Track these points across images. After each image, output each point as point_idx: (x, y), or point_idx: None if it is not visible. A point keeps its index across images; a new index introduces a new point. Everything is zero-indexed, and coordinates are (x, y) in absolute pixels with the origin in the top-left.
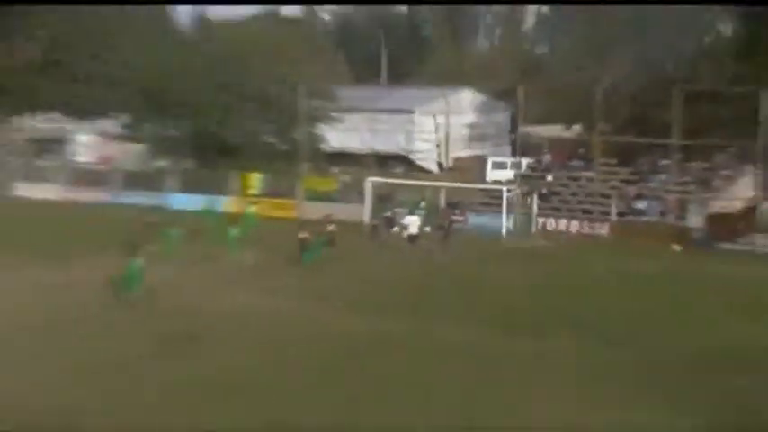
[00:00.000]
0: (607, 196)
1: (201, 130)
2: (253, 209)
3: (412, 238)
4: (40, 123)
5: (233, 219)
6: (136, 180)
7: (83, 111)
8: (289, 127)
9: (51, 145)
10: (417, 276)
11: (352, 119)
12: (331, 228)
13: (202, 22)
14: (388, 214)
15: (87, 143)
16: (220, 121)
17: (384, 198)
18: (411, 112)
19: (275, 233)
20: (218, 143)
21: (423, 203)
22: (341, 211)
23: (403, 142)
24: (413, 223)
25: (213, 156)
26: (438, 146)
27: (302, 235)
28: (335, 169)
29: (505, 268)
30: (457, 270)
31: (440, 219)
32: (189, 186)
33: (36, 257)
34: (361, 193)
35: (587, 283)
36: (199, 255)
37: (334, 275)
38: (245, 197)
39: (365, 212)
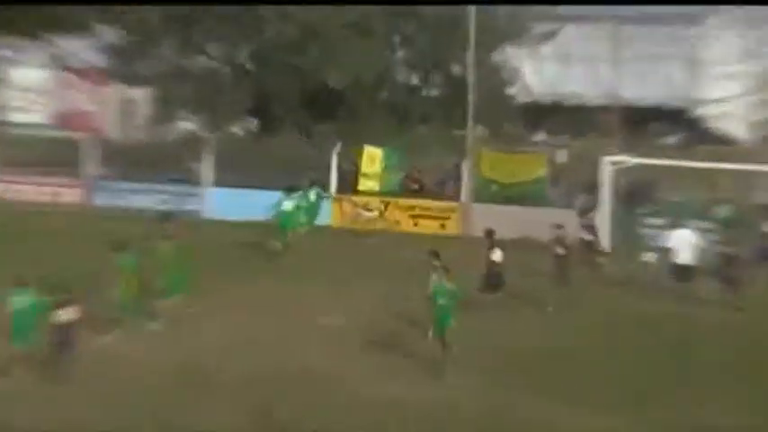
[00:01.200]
0: None
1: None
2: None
3: (682, 271)
4: None
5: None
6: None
7: None
8: (443, 57)
9: None
10: None
11: (576, 40)
12: (495, 257)
13: None
14: (589, 237)
15: None
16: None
17: (637, 195)
18: (700, 21)
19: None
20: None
21: (724, 208)
22: (549, 219)
23: (681, 82)
24: (684, 243)
25: (289, 110)
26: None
27: (435, 276)
28: (538, 137)
29: None
30: None
31: (751, 236)
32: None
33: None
34: (588, 187)
35: None
36: None
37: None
38: (354, 197)
39: (601, 227)
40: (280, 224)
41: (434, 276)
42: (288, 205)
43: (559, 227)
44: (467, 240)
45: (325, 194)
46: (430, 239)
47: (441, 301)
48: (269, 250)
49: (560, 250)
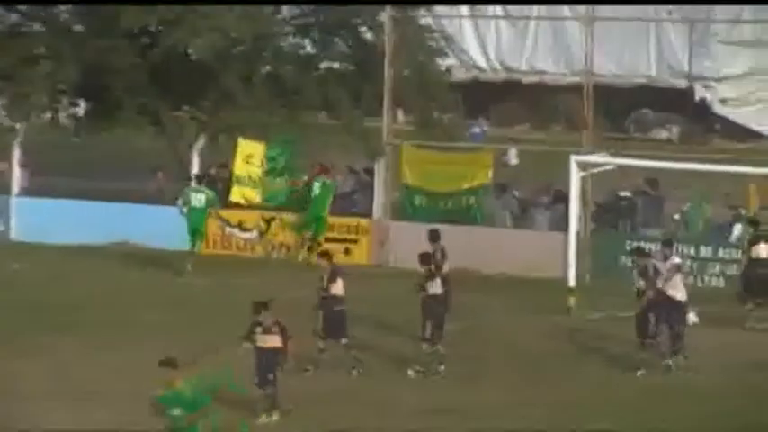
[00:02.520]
0: None
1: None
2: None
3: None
4: None
5: None
6: None
7: None
8: (348, 16)
9: None
10: None
11: None
12: (335, 289)
13: None
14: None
15: None
16: None
17: (618, 209)
18: None
19: None
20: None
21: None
22: (493, 243)
23: (678, 52)
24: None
25: (131, 89)
26: None
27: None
28: (482, 129)
29: None
30: None
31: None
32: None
33: None
34: (556, 197)
35: None
36: None
37: None
38: (224, 211)
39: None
40: (190, 228)
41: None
42: (197, 200)
43: (427, 256)
44: (380, 273)
45: (329, 181)
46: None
47: (175, 412)
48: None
49: (433, 288)
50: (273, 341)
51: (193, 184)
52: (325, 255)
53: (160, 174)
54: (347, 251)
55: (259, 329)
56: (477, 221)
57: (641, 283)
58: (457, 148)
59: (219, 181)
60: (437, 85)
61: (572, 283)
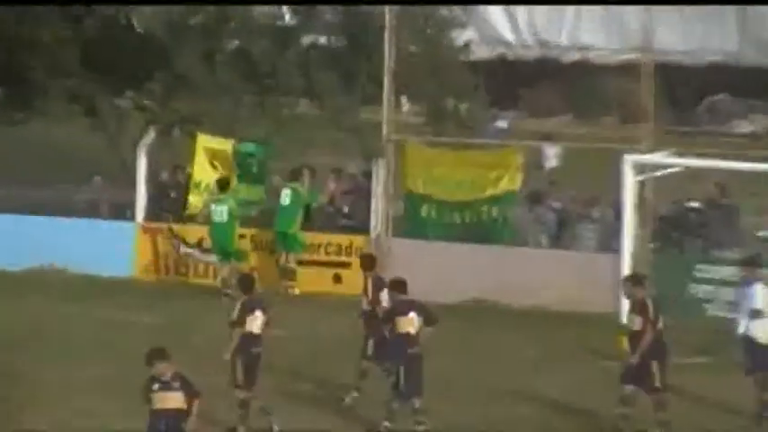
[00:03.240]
0: None
1: None
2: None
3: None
4: None
5: None
6: None
7: None
8: None
9: None
10: None
11: None
12: (252, 327)
13: None
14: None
15: None
16: None
17: (685, 223)
18: None
19: None
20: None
21: None
22: (525, 265)
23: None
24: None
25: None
26: None
27: None
28: (510, 122)
29: None
30: None
31: None
32: None
33: None
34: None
35: None
36: None
37: None
38: (180, 225)
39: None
40: (215, 248)
41: None
42: (218, 212)
43: (402, 284)
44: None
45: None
46: (310, 305)
47: None
48: (222, 283)
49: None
50: (174, 400)
51: (214, 191)
52: (245, 280)
53: (97, 178)
54: (337, 278)
55: (156, 386)
56: (503, 239)
57: (638, 322)
58: (477, 145)
59: (174, 188)
60: (451, 66)
61: (625, 319)
